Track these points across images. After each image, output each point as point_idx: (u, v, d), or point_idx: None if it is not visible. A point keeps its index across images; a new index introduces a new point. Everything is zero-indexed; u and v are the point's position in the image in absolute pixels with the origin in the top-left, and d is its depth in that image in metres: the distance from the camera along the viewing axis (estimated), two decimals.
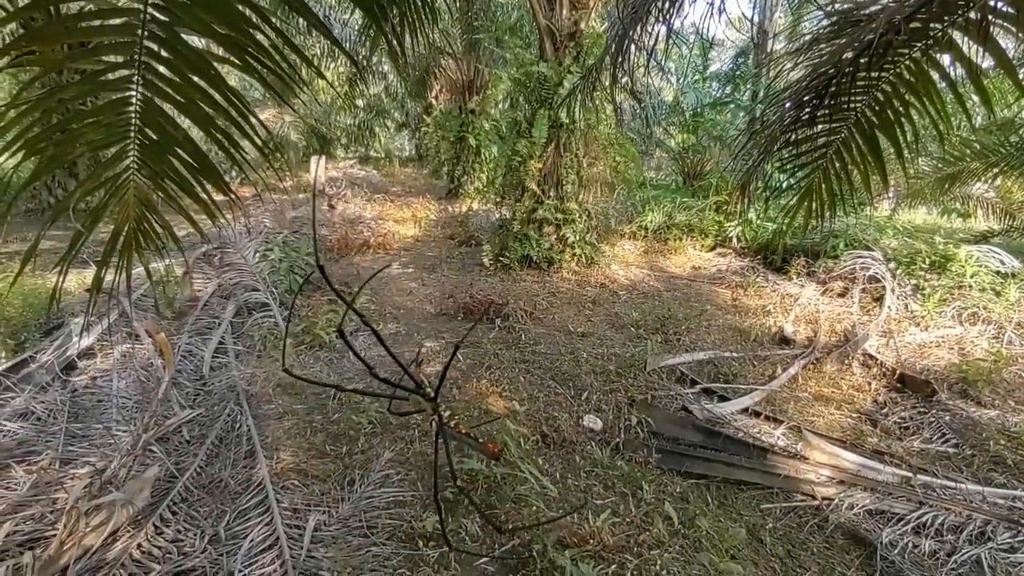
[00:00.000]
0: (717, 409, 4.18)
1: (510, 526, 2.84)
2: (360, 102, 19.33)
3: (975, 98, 6.07)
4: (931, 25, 2.67)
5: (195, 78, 1.78)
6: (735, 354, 5.33)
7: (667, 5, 3.10)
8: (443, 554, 2.63)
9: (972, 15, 2.53)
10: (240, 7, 1.77)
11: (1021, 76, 3.32)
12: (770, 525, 3.06)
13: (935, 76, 2.85)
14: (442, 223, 11.05)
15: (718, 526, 2.98)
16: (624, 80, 4.27)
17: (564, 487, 3.25)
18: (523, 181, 7.66)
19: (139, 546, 2.53)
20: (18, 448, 3.14)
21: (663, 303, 6.81)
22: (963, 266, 6.61)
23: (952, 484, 3.33)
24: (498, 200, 8.72)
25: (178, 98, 1.79)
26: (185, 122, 1.99)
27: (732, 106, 12.88)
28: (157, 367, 4.25)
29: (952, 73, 2.80)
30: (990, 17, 2.46)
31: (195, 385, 4.23)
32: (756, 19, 12.49)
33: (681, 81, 15.15)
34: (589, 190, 8.00)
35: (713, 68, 15.79)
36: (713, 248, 9.60)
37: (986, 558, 2.77)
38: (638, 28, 3.29)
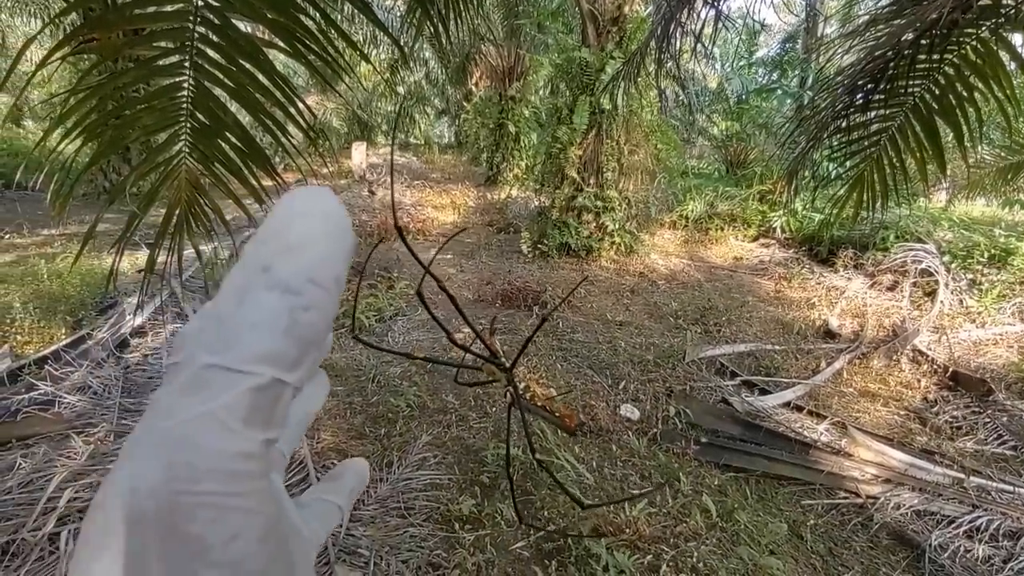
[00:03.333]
0: (758, 402, 4.09)
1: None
2: (400, 89, 19.44)
3: None
4: (1003, 1, 2.53)
5: (245, 63, 1.81)
6: (777, 347, 5.21)
7: None
8: (479, 537, 2.65)
9: None
10: None
11: None
12: (811, 522, 2.99)
13: (1005, 57, 2.69)
14: (481, 210, 11.07)
15: (757, 520, 2.92)
16: (669, 65, 4.17)
17: (600, 475, 3.23)
18: (563, 168, 7.60)
19: None
20: (77, 420, 3.27)
21: (703, 293, 6.69)
22: None
23: (1009, 488, 3.19)
24: (537, 187, 8.68)
25: (228, 83, 1.81)
26: (233, 106, 2.02)
27: (779, 92, 12.50)
28: None
29: None
30: None
31: None
32: (807, 1, 12.09)
33: (726, 67, 14.79)
34: (629, 178, 7.88)
35: (760, 53, 15.35)
36: (756, 239, 9.39)
37: None
38: (685, 11, 3.21)
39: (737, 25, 11.23)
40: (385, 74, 15.71)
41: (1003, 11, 2.50)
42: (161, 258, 2.06)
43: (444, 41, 3.08)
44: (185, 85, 1.79)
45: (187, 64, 1.74)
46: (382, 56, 15.42)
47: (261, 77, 1.88)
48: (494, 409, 3.83)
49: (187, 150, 1.94)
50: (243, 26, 1.88)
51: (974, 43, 2.74)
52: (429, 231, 9.33)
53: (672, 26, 3.31)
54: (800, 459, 3.42)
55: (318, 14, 1.95)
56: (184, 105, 1.83)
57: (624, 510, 2.84)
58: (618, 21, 7.29)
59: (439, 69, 17.39)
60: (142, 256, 6.01)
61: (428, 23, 2.96)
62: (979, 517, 2.93)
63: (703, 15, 3.22)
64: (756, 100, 12.46)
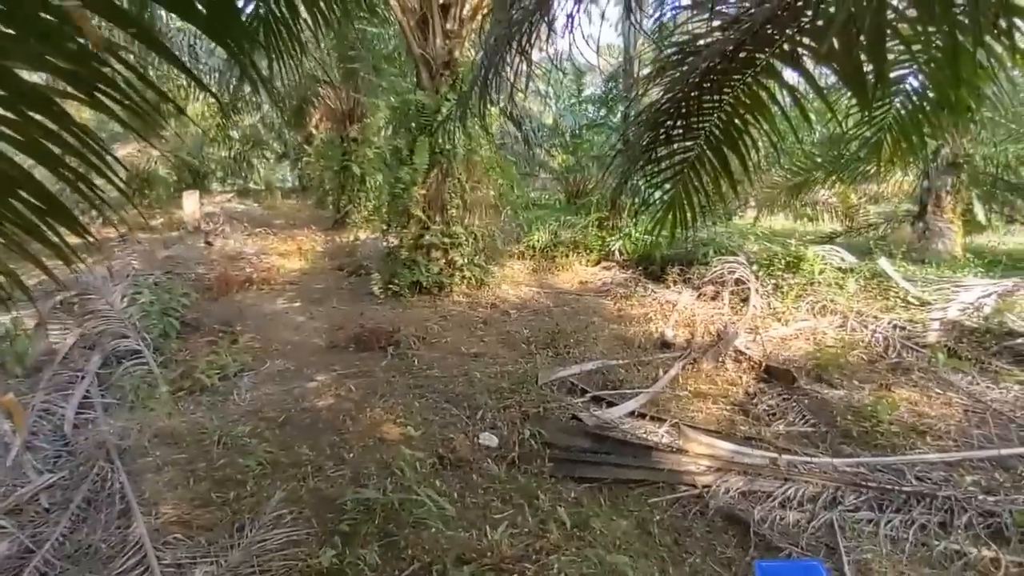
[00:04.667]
0: (605, 415, 4.38)
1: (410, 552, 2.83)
2: (235, 133, 18.52)
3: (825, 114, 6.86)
4: (756, 56, 3.02)
5: (33, 114, 1.68)
6: (621, 361, 5.62)
7: (525, 40, 3.30)
8: None
9: (785, 47, 2.91)
10: (82, 40, 1.70)
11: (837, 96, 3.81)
12: (657, 517, 3.27)
13: (766, 98, 3.20)
14: (329, 254, 10.80)
15: (610, 524, 3.13)
16: (499, 106, 4.44)
17: (463, 505, 3.29)
18: (408, 208, 7.68)
19: None
20: None
21: (552, 318, 7.04)
22: (812, 265, 7.38)
23: (810, 459, 3.72)
24: (384, 228, 8.67)
25: (15, 136, 1.68)
26: (26, 159, 1.86)
27: (606, 127, 13.62)
28: (5, 432, 3.82)
29: (780, 96, 3.19)
30: (798, 49, 2.85)
31: (55, 447, 3.86)
32: (622, 45, 13.34)
33: (558, 104, 15.85)
34: (474, 213, 8.15)
35: (588, 92, 16.65)
36: (598, 262, 10.03)
37: (837, 519, 3.14)
38: (500, 60, 3.47)
39: (562, 67, 12.13)
40: (216, 119, 14.93)
41: (757, 62, 2.99)
42: None
43: (269, 88, 3.05)
44: None
45: None
46: (211, 100, 14.67)
47: (56, 128, 1.76)
48: (351, 455, 3.75)
49: None
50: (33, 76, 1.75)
51: (742, 87, 3.23)
52: (274, 280, 8.92)
53: (491, 72, 3.56)
54: (644, 462, 3.72)
55: (121, 65, 1.88)
56: None
57: (486, 535, 2.91)
58: (450, 65, 7.60)
59: (274, 113, 16.82)
60: None
61: (251, 71, 2.92)
62: (789, 488, 3.38)
63: (518, 63, 3.49)
64: (588, 134, 13.46)
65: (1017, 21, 2.39)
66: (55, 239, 1.92)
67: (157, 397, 4.44)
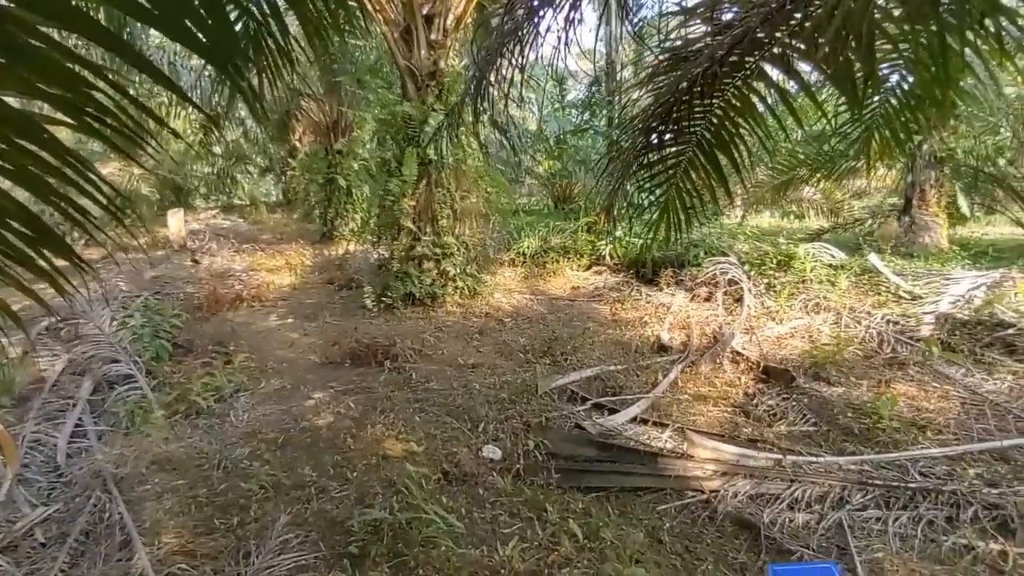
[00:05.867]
0: (608, 422, 4.38)
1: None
2: (217, 149, 18.38)
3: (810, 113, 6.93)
4: (746, 59, 3.04)
5: (25, 143, 1.65)
6: (619, 367, 5.62)
7: (519, 49, 3.30)
8: None
9: (776, 50, 2.93)
10: (72, 65, 1.67)
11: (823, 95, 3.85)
12: (667, 525, 3.26)
13: (756, 101, 3.22)
14: (319, 268, 10.72)
15: (620, 534, 3.12)
16: (487, 116, 4.44)
17: (471, 521, 3.26)
18: (398, 219, 7.65)
19: None
20: None
21: (548, 326, 7.03)
22: (803, 262, 7.42)
23: (814, 459, 3.73)
24: (375, 240, 8.63)
25: (6, 165, 1.64)
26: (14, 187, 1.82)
27: (591, 132, 13.67)
28: None
29: (769, 96, 3.22)
30: (789, 52, 2.87)
31: (49, 478, 3.78)
32: (604, 50, 13.43)
33: (542, 110, 15.90)
34: (465, 223, 8.13)
35: (570, 96, 16.73)
36: (589, 267, 10.02)
37: (846, 519, 3.16)
38: (493, 71, 3.47)
39: (545, 73, 12.16)
40: (198, 135, 14.81)
41: (747, 66, 3.01)
42: None
43: (259, 103, 3.02)
44: None
45: None
46: (192, 117, 14.54)
47: (46, 155, 1.72)
48: (355, 474, 3.70)
49: None
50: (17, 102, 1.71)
51: (732, 91, 3.25)
52: (265, 296, 8.83)
53: (483, 83, 3.55)
54: (650, 468, 3.72)
55: (110, 87, 1.83)
56: None
57: (497, 551, 2.88)
58: (435, 75, 7.59)
59: (256, 127, 16.70)
60: None
61: (246, 90, 2.88)
62: (796, 489, 3.39)
63: (508, 74, 3.49)
64: (573, 140, 13.51)
65: (1003, 20, 2.43)
66: (45, 266, 1.89)
67: (152, 422, 4.37)
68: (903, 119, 3.48)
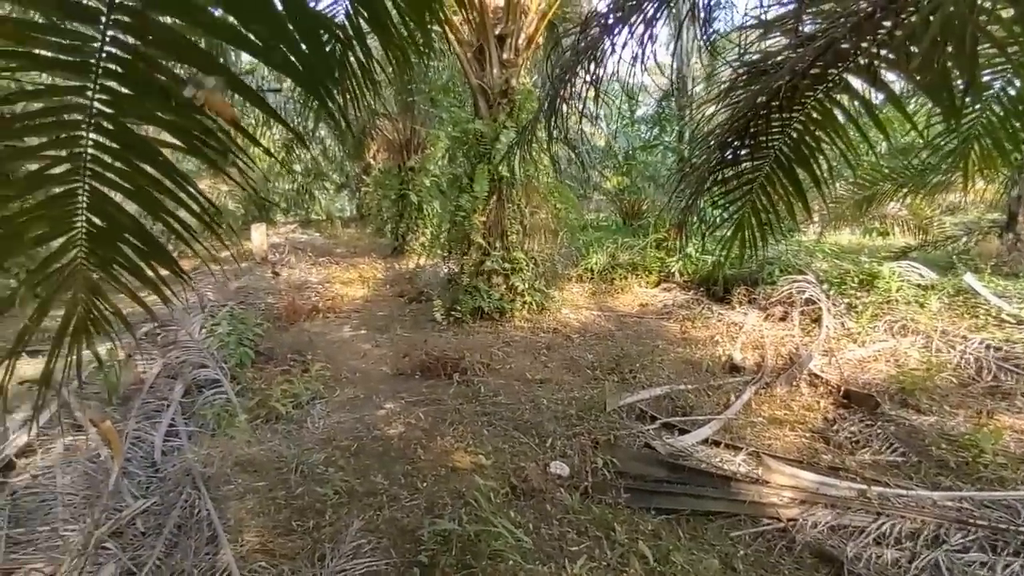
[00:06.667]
0: (678, 442, 4.26)
1: None
2: (298, 166, 19.31)
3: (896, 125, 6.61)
4: (829, 71, 2.94)
5: (143, 165, 1.79)
6: (690, 386, 5.47)
7: (593, 66, 3.31)
8: None
9: (861, 61, 2.82)
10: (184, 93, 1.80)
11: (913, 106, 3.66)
12: (741, 552, 3.12)
13: (838, 114, 3.10)
14: (390, 281, 11.03)
15: (692, 559, 3.02)
16: (560, 131, 4.47)
17: (538, 537, 3.23)
18: (468, 234, 7.78)
19: None
20: None
21: (616, 342, 6.95)
22: (888, 282, 7.02)
23: (904, 492, 3.49)
24: (445, 255, 8.79)
25: (126, 185, 1.79)
26: (131, 205, 1.98)
27: (661, 148, 13.50)
28: (104, 458, 4.03)
29: (853, 109, 3.09)
30: (876, 62, 2.75)
31: (147, 473, 4.04)
32: (675, 65, 13.27)
33: (611, 126, 15.83)
34: (534, 238, 8.18)
35: (640, 112, 16.58)
36: (658, 284, 9.87)
37: (943, 560, 2.92)
38: (567, 88, 3.49)
39: (615, 88, 12.13)
40: (280, 154, 15.59)
41: (830, 78, 2.90)
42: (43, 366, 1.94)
43: (343, 124, 3.15)
44: (79, 192, 1.75)
45: (81, 170, 1.71)
46: (276, 136, 15.35)
47: (157, 174, 1.87)
48: (425, 484, 3.76)
49: (83, 255, 1.87)
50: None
51: (813, 104, 3.15)
52: (340, 308, 9.16)
53: (557, 101, 3.59)
54: (723, 492, 3.59)
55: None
56: (79, 211, 1.78)
57: (565, 569, 2.85)
58: (507, 93, 7.71)
59: (335, 145, 17.44)
60: (25, 367, 5.51)
61: (336, 113, 3.01)
62: (883, 523, 3.17)
63: (583, 91, 3.51)
64: (642, 155, 13.37)
65: None
66: (153, 276, 2.05)
67: (236, 425, 4.60)
68: (1008, 128, 3.26)
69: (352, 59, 3.07)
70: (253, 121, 12.05)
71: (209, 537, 3.18)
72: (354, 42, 2.66)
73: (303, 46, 1.61)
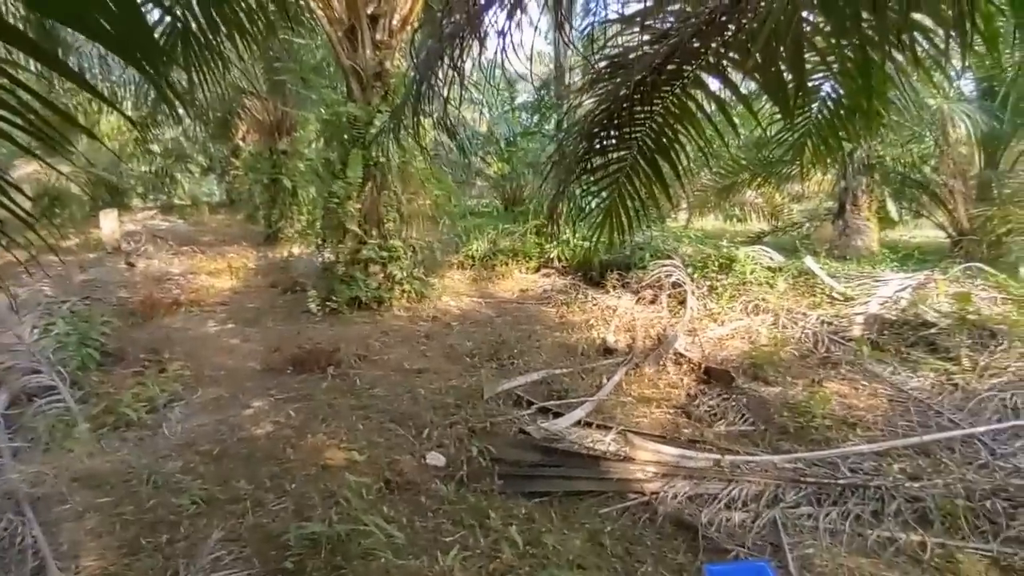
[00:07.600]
0: (552, 426, 4.38)
1: None
2: (155, 147, 17.67)
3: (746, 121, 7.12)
4: (684, 68, 3.09)
5: None
6: (565, 370, 5.65)
7: (458, 53, 3.27)
8: None
9: (711, 60, 3.00)
10: None
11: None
12: (608, 528, 3.28)
13: (694, 108, 3.28)
14: (262, 271, 10.41)
15: (562, 539, 3.12)
16: (433, 116, 4.39)
17: (412, 531, 3.20)
18: (343, 222, 7.50)
19: None
20: None
21: (495, 329, 7.02)
22: (743, 265, 7.64)
23: (751, 458, 3.83)
24: (319, 243, 8.44)
25: None
26: None
27: (540, 135, 13.74)
28: None
29: (707, 104, 3.30)
30: (724, 62, 2.94)
31: None
32: (552, 53, 13.52)
33: (492, 113, 15.90)
34: (412, 225, 8.05)
35: (520, 99, 16.77)
36: (538, 270, 10.06)
37: (779, 516, 3.24)
38: (432, 74, 3.43)
39: (494, 76, 12.15)
40: (133, 133, 14.19)
41: (684, 74, 3.07)
42: None
43: (188, 103, 2.90)
44: None
45: None
46: (129, 112, 13.94)
47: None
48: (293, 486, 3.59)
49: None
50: None
51: (671, 98, 3.31)
52: (205, 300, 8.51)
53: (423, 86, 3.51)
54: (593, 472, 3.74)
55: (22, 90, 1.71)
56: None
57: (438, 561, 2.84)
58: (381, 76, 7.49)
59: (197, 125, 16.10)
60: None
61: (165, 89, 2.74)
62: (733, 489, 3.47)
63: (447, 76, 3.46)
64: (523, 142, 13.54)
65: (917, 35, 2.56)
66: None
67: (76, 436, 4.13)
68: (834, 128, 3.61)
69: (195, 29, 2.83)
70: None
71: (35, 568, 2.82)
72: (187, 14, 2.43)
73: (114, 9, 1.43)
